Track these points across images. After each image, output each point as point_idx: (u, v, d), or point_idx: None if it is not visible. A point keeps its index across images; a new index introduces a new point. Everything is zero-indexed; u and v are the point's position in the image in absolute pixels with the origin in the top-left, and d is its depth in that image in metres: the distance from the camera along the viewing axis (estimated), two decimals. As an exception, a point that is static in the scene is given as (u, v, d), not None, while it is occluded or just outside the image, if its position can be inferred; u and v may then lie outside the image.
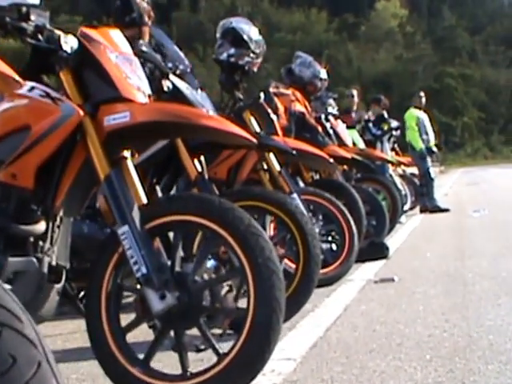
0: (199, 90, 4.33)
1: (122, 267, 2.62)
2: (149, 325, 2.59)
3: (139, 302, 2.54)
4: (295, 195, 5.15)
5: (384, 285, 5.05)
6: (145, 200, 2.66)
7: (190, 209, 2.60)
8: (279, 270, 2.52)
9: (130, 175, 2.69)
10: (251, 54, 5.19)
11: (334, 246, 5.61)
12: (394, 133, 14.07)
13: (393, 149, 14.75)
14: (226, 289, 2.64)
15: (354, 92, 12.16)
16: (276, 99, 6.49)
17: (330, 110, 8.69)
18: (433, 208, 12.42)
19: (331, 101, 8.96)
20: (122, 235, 2.51)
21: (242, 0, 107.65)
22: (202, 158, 4.17)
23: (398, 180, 12.42)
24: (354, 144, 9.67)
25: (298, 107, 6.58)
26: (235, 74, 5.21)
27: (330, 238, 5.81)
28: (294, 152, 4.87)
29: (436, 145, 13.46)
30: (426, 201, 12.66)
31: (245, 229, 2.54)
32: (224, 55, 5.16)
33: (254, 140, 2.82)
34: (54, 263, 2.57)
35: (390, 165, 12.18)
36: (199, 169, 4.08)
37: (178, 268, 2.57)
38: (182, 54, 4.49)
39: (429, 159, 12.85)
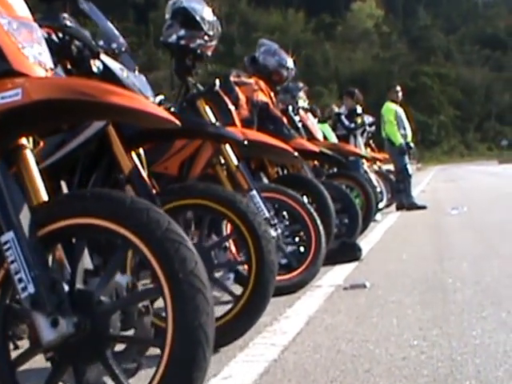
0: (136, 73, 3.74)
1: (10, 285, 2.04)
2: (46, 357, 2.01)
3: (32, 329, 1.96)
4: (254, 192, 4.57)
5: (354, 292, 4.49)
6: (45, 199, 2.12)
7: (94, 210, 2.02)
8: (206, 287, 1.93)
9: (27, 168, 2.11)
10: (204, 37, 4.62)
11: (301, 249, 5.07)
12: (368, 128, 13.60)
13: (368, 145, 14.26)
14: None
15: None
16: (237, 89, 5.95)
17: (300, 103, 8.18)
18: (409, 205, 11.90)
19: (301, 93, 8.43)
20: (5, 244, 1.96)
21: (220, 0, 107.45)
22: (142, 150, 3.59)
23: (373, 176, 11.91)
24: (326, 138, 9.13)
25: (261, 97, 6.01)
26: (186, 58, 4.64)
27: (296, 240, 5.30)
28: (246, 142, 4.28)
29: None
30: (402, 198, 12.14)
31: (162, 234, 1.96)
32: (173, 37, 4.58)
33: (177, 122, 2.23)
34: None
35: (364, 160, 11.70)
36: (137, 163, 3.48)
37: (79, 285, 2.01)
38: (116, 32, 3.89)
39: (406, 155, 12.32)
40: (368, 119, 13.71)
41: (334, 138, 9.47)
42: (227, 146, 4.61)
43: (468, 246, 6.31)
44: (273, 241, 3.38)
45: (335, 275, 5.27)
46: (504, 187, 17.42)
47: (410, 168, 12.39)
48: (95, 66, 3.53)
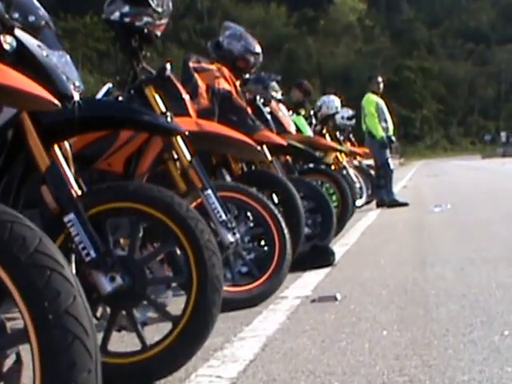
0: (61, 52, 3.13)
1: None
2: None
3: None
4: (210, 192, 3.99)
5: (323, 305, 3.91)
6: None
7: None
8: (88, 334, 1.38)
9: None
10: (152, 14, 4.05)
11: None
12: (348, 122, 13.06)
13: (348, 139, 13.71)
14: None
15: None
16: (196, 75, 5.37)
17: (273, 94, 7.60)
18: (390, 202, 11.34)
19: (274, 84, 7.84)
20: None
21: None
22: (67, 143, 2.99)
23: (352, 172, 11.36)
24: (301, 132, 8.56)
25: (224, 85, 5.41)
26: (132, 38, 4.07)
27: (261, 244, 4.74)
28: (187, 133, 3.69)
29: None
30: (383, 194, 11.56)
31: (27, 258, 1.38)
32: (116, 14, 4.00)
33: (57, 102, 1.65)
34: None
35: (343, 155, 11.16)
36: (61, 158, 2.88)
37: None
38: (36, 2, 3.29)
39: (388, 149, 11.72)
40: (347, 112, 13.19)
41: (309, 132, 8.88)
42: (179, 140, 4.04)
43: (452, 248, 5.75)
44: (218, 253, 2.79)
45: (304, 284, 4.70)
46: (488, 183, 16.94)
47: (392, 163, 11.82)
48: (6, 42, 2.92)
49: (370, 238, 7.14)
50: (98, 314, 2.72)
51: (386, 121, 11.64)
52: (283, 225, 4.22)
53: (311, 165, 7.99)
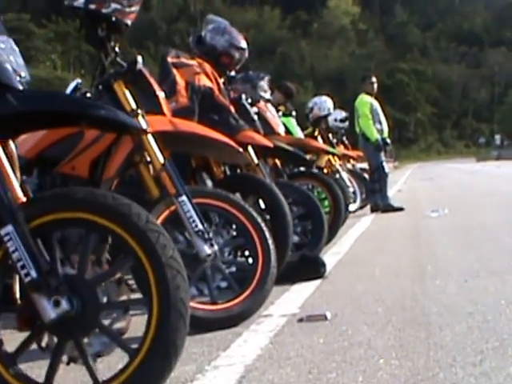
0: (5, 37, 2.70)
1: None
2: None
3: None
4: (184, 198, 3.56)
5: (311, 326, 3.48)
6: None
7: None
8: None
9: None
10: (121, 0, 3.65)
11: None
12: (341, 124, 12.63)
13: (341, 142, 13.29)
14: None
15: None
16: (175, 71, 4.97)
17: (261, 94, 7.19)
18: (385, 207, 10.91)
19: (263, 83, 7.41)
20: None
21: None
22: (12, 143, 2.57)
23: (345, 176, 10.93)
24: (291, 133, 8.14)
25: (204, 82, 4.99)
26: (99, 27, 3.66)
27: (244, 256, 4.33)
28: (160, 133, 3.28)
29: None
30: (377, 199, 11.13)
31: None
32: (80, 0, 3.59)
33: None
34: None
35: (336, 158, 10.74)
36: (2, 158, 2.47)
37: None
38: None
39: (382, 152, 11.26)
40: (341, 114, 12.75)
41: (299, 133, 8.45)
42: (151, 140, 3.62)
43: (453, 258, 5.32)
44: (183, 272, 2.35)
45: (291, 299, 4.26)
46: (485, 186, 16.55)
47: (387, 166, 11.39)
48: None
49: (364, 246, 6.70)
50: (44, 343, 2.30)
51: (380, 122, 11.20)
52: (267, 235, 3.79)
53: (302, 168, 7.59)
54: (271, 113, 6.97)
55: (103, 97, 3.74)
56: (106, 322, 2.29)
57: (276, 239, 4.51)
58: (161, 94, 3.95)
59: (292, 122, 8.38)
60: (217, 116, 4.90)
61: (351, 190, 11.19)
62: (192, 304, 3.57)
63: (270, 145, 5.16)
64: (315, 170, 9.23)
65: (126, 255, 2.32)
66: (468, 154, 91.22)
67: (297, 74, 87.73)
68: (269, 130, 6.64)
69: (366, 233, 8.03)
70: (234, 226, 3.98)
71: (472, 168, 37.25)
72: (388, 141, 11.32)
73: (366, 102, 11.19)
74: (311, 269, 4.93)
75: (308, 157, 9.55)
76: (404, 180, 26.11)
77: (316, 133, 10.85)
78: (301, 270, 4.90)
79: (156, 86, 3.92)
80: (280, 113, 8.43)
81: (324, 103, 11.13)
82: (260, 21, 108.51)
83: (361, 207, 11.65)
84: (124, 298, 2.39)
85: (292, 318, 3.69)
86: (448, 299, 3.77)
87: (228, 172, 5.03)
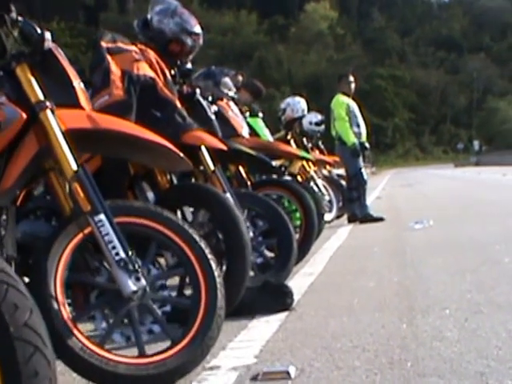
0: None
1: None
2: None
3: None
4: (102, 216, 2.67)
5: (269, 388, 2.60)
6: None
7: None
8: None
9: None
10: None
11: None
12: (316, 128, 11.67)
13: (317, 147, 12.39)
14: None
15: None
16: (109, 58, 4.09)
17: (225, 92, 6.34)
18: (364, 217, 10.03)
19: (227, 80, 6.53)
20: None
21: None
22: None
23: (320, 183, 10.08)
24: (258, 136, 7.26)
25: (145, 71, 4.10)
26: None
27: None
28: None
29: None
30: (355, 208, 10.24)
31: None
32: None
33: None
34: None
35: (311, 164, 9.88)
36: None
37: None
38: None
39: (361, 157, 10.32)
40: (316, 117, 11.78)
41: (268, 136, 7.54)
42: (61, 141, 2.75)
43: (447, 285, 4.42)
44: (44, 348, 1.46)
45: (246, 343, 3.36)
46: (469, 194, 15.74)
47: (365, 173, 10.49)
48: None
49: (341, 266, 5.81)
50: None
51: (358, 125, 10.26)
52: (213, 264, 2.89)
53: (274, 176, 6.72)
54: (234, 112, 6.09)
55: (3, 84, 2.85)
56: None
57: (230, 265, 3.65)
58: (77, 82, 3.03)
59: (259, 124, 7.48)
60: (159, 112, 4.01)
61: (327, 198, 10.34)
62: (113, 356, 2.72)
63: (224, 147, 4.25)
64: (287, 178, 8.38)
65: None
66: (446, 159, 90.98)
67: (274, 79, 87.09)
68: (231, 132, 5.78)
69: (342, 248, 7.14)
70: (171, 254, 3.11)
71: (452, 174, 36.59)
72: (367, 145, 10.40)
73: (343, 103, 10.29)
74: (276, 299, 4.05)
75: (279, 163, 8.69)
76: (383, 186, 25.31)
77: (289, 136, 9.93)
78: (263, 300, 4.02)
79: (71, 71, 3.00)
80: (247, 113, 7.56)
81: (298, 104, 10.28)
82: (237, 25, 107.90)
83: (337, 217, 10.78)
84: None
85: (245, 373, 2.81)
86: (447, 349, 2.88)
87: (175, 181, 4.15)
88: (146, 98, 3.99)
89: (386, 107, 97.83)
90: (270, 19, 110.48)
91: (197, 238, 2.93)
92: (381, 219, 9.87)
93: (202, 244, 2.92)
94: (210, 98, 5.60)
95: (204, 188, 3.96)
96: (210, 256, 2.90)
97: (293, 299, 4.08)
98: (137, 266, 2.70)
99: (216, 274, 2.89)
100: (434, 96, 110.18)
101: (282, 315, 3.91)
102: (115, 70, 3.97)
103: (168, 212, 2.97)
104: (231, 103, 6.18)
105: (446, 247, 6.26)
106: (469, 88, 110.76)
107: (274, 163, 7.87)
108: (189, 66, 5.23)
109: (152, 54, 4.37)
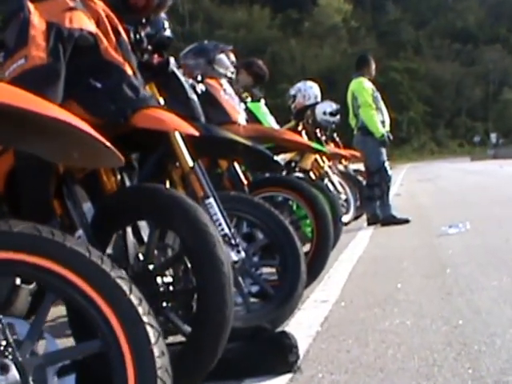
0: None
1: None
2: None
3: None
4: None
5: None
6: None
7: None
8: None
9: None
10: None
11: None
12: (331, 118, 10.30)
13: (332, 139, 11.04)
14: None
15: None
16: (31, 6, 2.90)
17: (220, 71, 5.16)
18: (386, 218, 8.72)
19: (222, 57, 5.37)
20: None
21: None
22: None
23: (336, 180, 8.78)
24: (260, 123, 6.00)
25: (81, 24, 2.85)
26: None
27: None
28: None
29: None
30: (375, 208, 8.93)
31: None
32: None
33: None
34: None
35: (325, 159, 8.61)
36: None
37: None
38: None
39: (384, 150, 9.00)
40: (331, 106, 10.39)
41: (272, 123, 6.21)
42: None
43: (505, 316, 3.15)
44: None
45: None
46: (499, 189, 14.30)
47: (389, 167, 9.08)
48: None
49: (363, 289, 4.52)
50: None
51: (382, 114, 8.95)
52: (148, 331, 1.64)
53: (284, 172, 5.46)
54: (227, 92, 4.84)
55: None
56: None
57: (201, 309, 2.41)
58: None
59: (262, 109, 6.17)
60: (99, 83, 2.75)
61: (343, 197, 9.03)
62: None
63: (195, 133, 2.92)
64: (299, 175, 7.12)
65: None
66: (462, 153, 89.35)
67: (287, 74, 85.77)
68: (223, 118, 4.57)
69: (363, 260, 5.83)
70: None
71: (470, 168, 35.00)
72: (390, 136, 9.05)
73: (368, 89, 8.96)
74: (273, 354, 2.78)
75: (288, 157, 7.42)
76: (400, 182, 23.88)
77: (300, 127, 8.56)
78: (254, 357, 2.76)
79: None
80: (249, 98, 6.30)
81: (309, 90, 8.95)
82: (250, 20, 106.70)
83: (354, 218, 9.47)
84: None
85: None
86: None
87: (128, 183, 2.88)
88: (81, 61, 2.74)
89: (400, 100, 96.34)
90: (282, 14, 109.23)
91: (124, 285, 1.68)
92: (406, 221, 8.56)
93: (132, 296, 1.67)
94: (199, 78, 4.40)
95: (164, 193, 2.65)
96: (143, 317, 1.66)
97: (298, 354, 2.81)
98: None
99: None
100: (450, 89, 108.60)
101: (284, 379, 2.65)
102: (37, 23, 2.73)
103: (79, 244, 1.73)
104: (223, 81, 4.96)
105: (498, 262, 4.93)
106: (484, 80, 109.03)
107: (283, 157, 6.61)
108: (168, 32, 4.07)
109: (101, 6, 3.10)
